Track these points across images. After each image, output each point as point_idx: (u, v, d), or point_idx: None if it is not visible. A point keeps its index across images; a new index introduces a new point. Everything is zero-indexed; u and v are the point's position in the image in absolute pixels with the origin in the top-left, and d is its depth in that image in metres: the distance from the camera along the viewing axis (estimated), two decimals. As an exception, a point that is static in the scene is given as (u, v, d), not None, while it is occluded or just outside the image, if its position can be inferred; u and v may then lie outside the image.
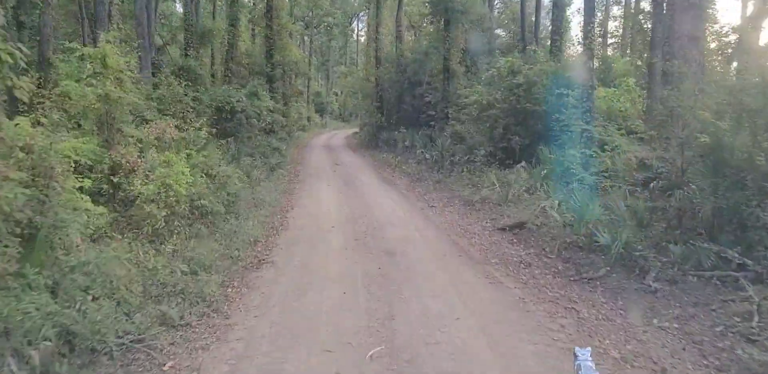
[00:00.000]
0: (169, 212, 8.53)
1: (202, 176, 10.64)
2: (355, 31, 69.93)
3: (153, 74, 18.67)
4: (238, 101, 19.60)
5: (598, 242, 7.94)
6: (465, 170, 16.76)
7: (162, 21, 28.29)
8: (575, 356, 2.26)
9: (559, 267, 7.83)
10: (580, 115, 13.24)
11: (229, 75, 26.33)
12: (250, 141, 20.59)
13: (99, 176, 9.10)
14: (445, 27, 22.43)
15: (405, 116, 28.38)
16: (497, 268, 7.73)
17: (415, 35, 31.51)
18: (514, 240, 9.46)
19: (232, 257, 7.77)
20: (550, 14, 22.94)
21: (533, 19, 26.44)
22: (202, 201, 9.42)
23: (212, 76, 27.75)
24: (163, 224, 8.21)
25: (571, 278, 7.39)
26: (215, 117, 19.06)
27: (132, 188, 8.47)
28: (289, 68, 31.27)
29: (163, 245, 8.09)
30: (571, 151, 13.72)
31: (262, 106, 22.75)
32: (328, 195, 14.00)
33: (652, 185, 9.13)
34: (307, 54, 57.77)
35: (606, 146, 11.69)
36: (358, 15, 65.61)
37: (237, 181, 11.82)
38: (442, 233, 9.94)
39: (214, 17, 30.75)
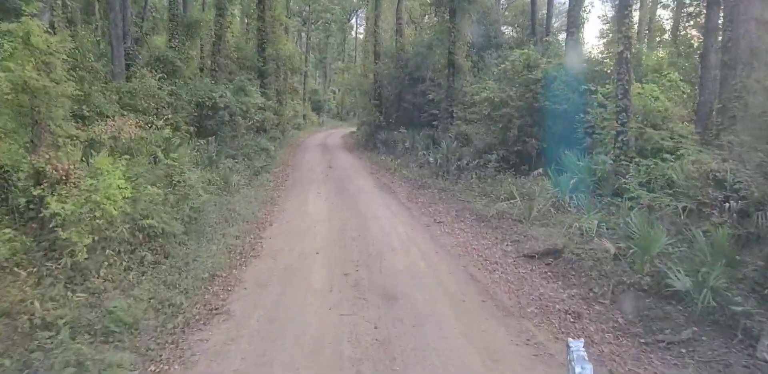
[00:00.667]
0: (97, 238, 6.37)
1: (155, 187, 8.47)
2: (354, 28, 67.74)
3: (128, 66, 16.45)
4: (221, 97, 17.40)
5: (673, 286, 5.80)
6: (474, 176, 14.62)
7: (154, 14, 26.04)
8: (568, 347, 2.46)
9: (620, 321, 5.69)
10: (613, 114, 11.10)
11: (216, 69, 24.09)
12: (235, 141, 18.40)
13: (11, 186, 6.98)
14: (450, 18, 20.24)
15: (405, 115, 26.20)
16: (538, 324, 5.58)
17: (417, 30, 29.33)
18: (549, 274, 7.32)
19: (173, 306, 5.59)
20: (567, 4, 20.75)
21: (544, 11, 24.29)
22: (148, 221, 7.25)
23: (201, 70, 25.57)
24: (86, 255, 6.05)
25: (642, 341, 5.25)
26: (195, 114, 16.90)
27: (50, 205, 6.31)
28: (282, 63, 29.04)
29: (84, 284, 5.95)
30: (603, 157, 11.60)
31: (250, 102, 20.54)
32: (316, 206, 11.83)
33: (728, 205, 7.00)
34: (303, 51, 55.60)
35: (668, 155, 9.53)
36: (357, 11, 63.44)
37: (202, 191, 9.64)
38: (455, 262, 7.78)
39: (204, 8, 28.49)
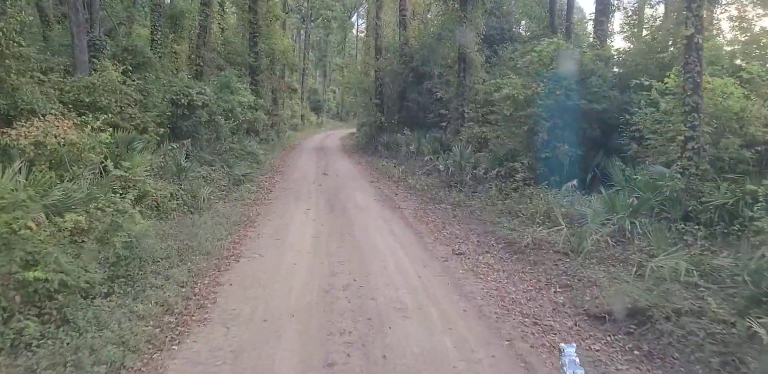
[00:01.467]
0: None
1: (74, 215, 5.98)
2: (355, 26, 65.29)
3: (96, 58, 13.97)
4: (199, 94, 14.91)
5: None
6: (495, 188, 12.13)
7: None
8: (561, 351, 2.40)
9: None
10: (680, 115, 8.59)
11: (201, 64, 21.60)
12: (214, 144, 15.90)
13: None
14: (461, 6, 17.73)
15: (409, 115, 23.68)
16: None
17: (422, 23, 26.78)
18: (637, 355, 4.81)
19: None
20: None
21: (564, 1, 21.76)
22: (33, 273, 4.74)
23: (187, 65, 23.07)
24: None
25: None
26: (168, 113, 14.42)
27: None
28: (276, 59, 26.54)
29: None
30: (659, 168, 9.09)
31: (235, 101, 18.07)
32: (301, 231, 9.28)
33: None
34: (303, 49, 53.13)
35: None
36: (358, 8, 61.06)
37: (141, 217, 7.12)
38: (494, 333, 5.22)
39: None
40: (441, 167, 14.65)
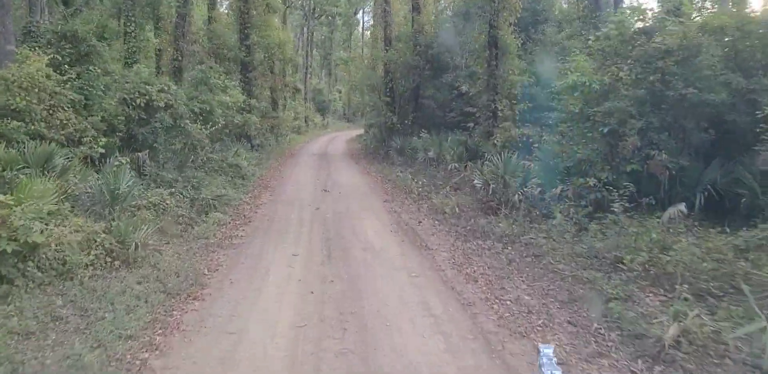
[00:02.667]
0: None
1: None
2: (361, 23, 61.58)
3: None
4: (161, 92, 11.32)
5: None
6: (561, 215, 8.40)
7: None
8: (539, 352, 2.44)
9: None
10: None
11: (179, 59, 18.02)
12: (184, 156, 12.29)
13: None
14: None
15: (425, 115, 19.97)
16: None
17: (436, 9, 23.03)
18: None
19: None
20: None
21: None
22: None
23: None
24: None
25: None
26: (121, 117, 10.87)
27: None
28: (272, 54, 22.87)
29: None
30: None
31: (214, 101, 14.46)
32: (275, 314, 5.52)
33: None
34: (306, 46, 49.59)
35: None
36: (363, 5, 57.42)
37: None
38: None
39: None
40: (477, 182, 10.88)
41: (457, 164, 14.72)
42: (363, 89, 25.76)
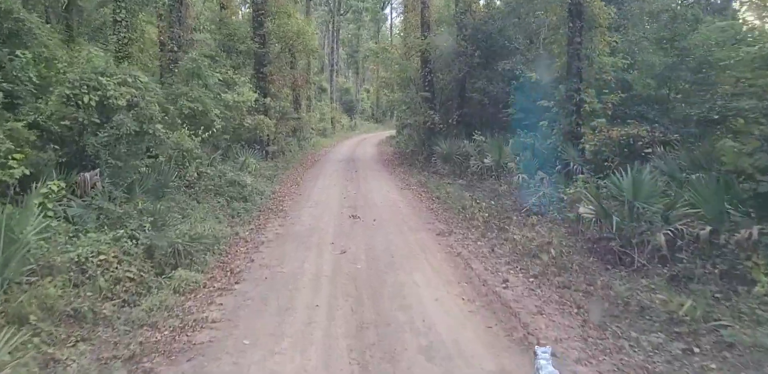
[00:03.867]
0: None
1: None
2: (389, 19, 57.97)
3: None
4: (122, 85, 7.89)
5: None
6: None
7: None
8: (535, 354, 2.55)
9: None
10: None
11: (175, 49, 14.64)
12: (160, 175, 8.77)
13: None
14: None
15: (475, 113, 16.18)
16: None
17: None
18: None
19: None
20: None
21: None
22: None
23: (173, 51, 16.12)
24: None
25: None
26: (65, 123, 7.48)
27: None
28: (289, 44, 19.34)
29: None
30: None
31: (207, 99, 10.98)
32: None
33: None
34: (332, 43, 46.23)
35: None
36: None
37: None
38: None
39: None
40: (585, 211, 6.99)
41: (525, 176, 10.90)
42: (395, 85, 22.04)
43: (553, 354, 3.11)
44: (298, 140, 24.35)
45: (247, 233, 8.20)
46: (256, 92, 16.02)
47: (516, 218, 8.85)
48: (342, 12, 49.79)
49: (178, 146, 9.47)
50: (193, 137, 10.04)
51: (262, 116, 14.96)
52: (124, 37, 14.29)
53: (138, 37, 15.55)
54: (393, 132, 33.35)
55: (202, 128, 10.34)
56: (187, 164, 9.90)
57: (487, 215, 9.07)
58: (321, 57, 36.61)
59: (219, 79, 12.46)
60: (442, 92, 18.14)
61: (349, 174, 15.57)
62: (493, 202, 10.11)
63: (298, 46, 19.44)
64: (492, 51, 15.22)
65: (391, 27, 56.29)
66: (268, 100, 16.43)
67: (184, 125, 10.17)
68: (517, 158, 12.06)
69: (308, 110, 31.55)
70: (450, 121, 16.60)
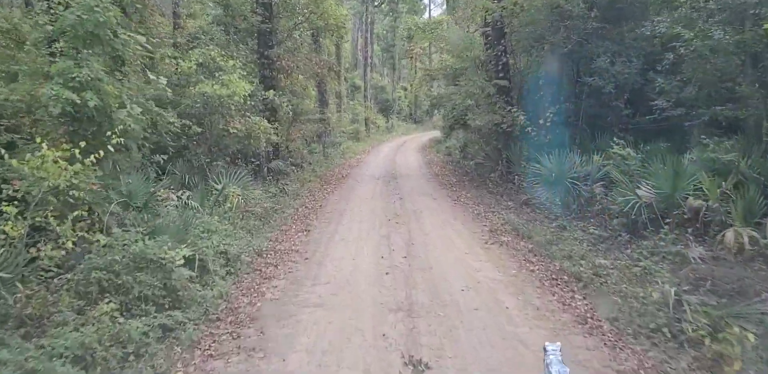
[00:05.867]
0: None
1: None
2: (428, 11, 51.81)
3: None
4: None
5: None
6: None
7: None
8: (545, 350, 2.29)
9: None
10: None
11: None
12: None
13: None
14: None
15: (590, 109, 10.15)
16: None
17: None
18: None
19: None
20: None
21: None
22: None
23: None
24: None
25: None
26: None
27: None
28: (305, 17, 13.70)
29: None
30: None
31: (113, 85, 5.49)
32: None
33: None
34: (364, 36, 40.63)
35: None
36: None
37: None
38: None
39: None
40: None
41: (755, 232, 4.97)
42: (442, 76, 16.14)
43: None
44: (323, 147, 18.83)
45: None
46: (253, 83, 10.57)
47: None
48: (377, 3, 44.10)
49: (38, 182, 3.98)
50: (79, 159, 4.57)
51: (257, 118, 9.45)
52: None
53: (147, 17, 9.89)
54: (436, 133, 27.43)
55: (107, 137, 4.84)
56: (55, 224, 4.43)
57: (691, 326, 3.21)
58: (353, 52, 30.97)
59: (169, 55, 6.97)
60: (520, 78, 12.22)
61: (391, 206, 9.80)
62: (663, 277, 4.24)
63: (317, 19, 13.75)
64: (618, 9, 9.21)
65: (429, 16, 50.20)
66: (271, 94, 10.89)
67: (61, 137, 4.73)
68: (720, 189, 6.07)
69: (338, 110, 26.04)
70: (541, 121, 10.63)
